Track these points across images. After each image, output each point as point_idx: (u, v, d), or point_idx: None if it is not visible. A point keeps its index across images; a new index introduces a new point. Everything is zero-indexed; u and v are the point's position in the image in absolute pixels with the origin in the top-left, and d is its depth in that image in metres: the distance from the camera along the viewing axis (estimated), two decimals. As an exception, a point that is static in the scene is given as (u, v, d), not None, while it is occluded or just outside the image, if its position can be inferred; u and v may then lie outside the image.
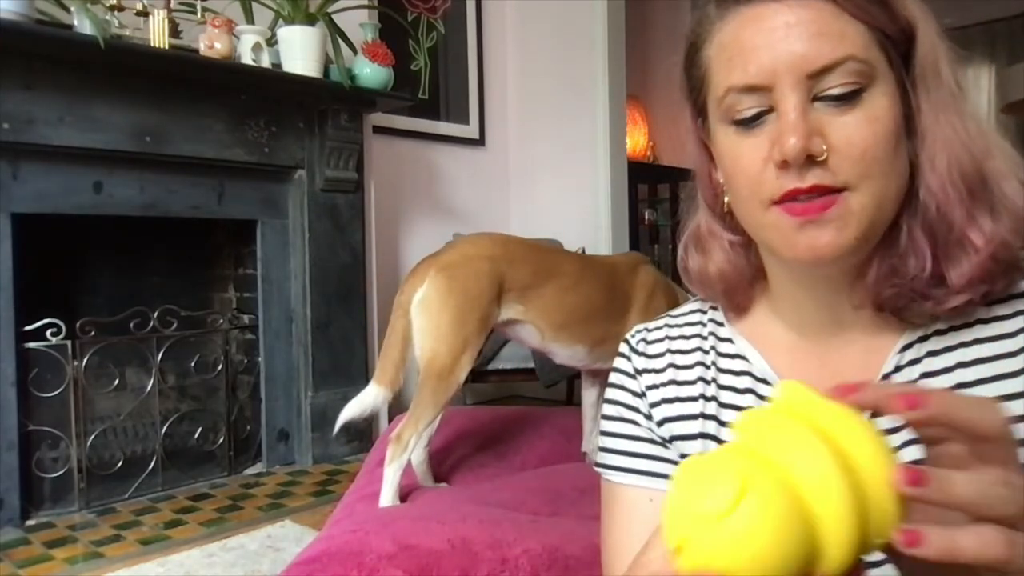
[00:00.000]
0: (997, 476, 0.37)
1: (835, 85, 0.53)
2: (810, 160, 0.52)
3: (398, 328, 1.63)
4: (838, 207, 0.53)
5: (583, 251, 2.96)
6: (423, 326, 1.59)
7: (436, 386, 1.56)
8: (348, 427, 2.73)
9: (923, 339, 0.59)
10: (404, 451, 1.51)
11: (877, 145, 0.53)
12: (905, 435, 0.56)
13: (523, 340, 1.74)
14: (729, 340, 0.68)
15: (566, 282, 1.69)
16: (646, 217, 5.06)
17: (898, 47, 0.55)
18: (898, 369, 0.59)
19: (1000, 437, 0.38)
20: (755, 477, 0.33)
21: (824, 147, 0.52)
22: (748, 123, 0.56)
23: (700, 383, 0.67)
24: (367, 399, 1.62)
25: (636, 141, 5.00)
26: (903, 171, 0.56)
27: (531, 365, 2.88)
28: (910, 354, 0.59)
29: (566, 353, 1.76)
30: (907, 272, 0.56)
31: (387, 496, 1.48)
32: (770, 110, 0.55)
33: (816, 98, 0.54)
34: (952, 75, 0.56)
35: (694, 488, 0.35)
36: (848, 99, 0.53)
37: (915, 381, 0.57)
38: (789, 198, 0.54)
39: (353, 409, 1.63)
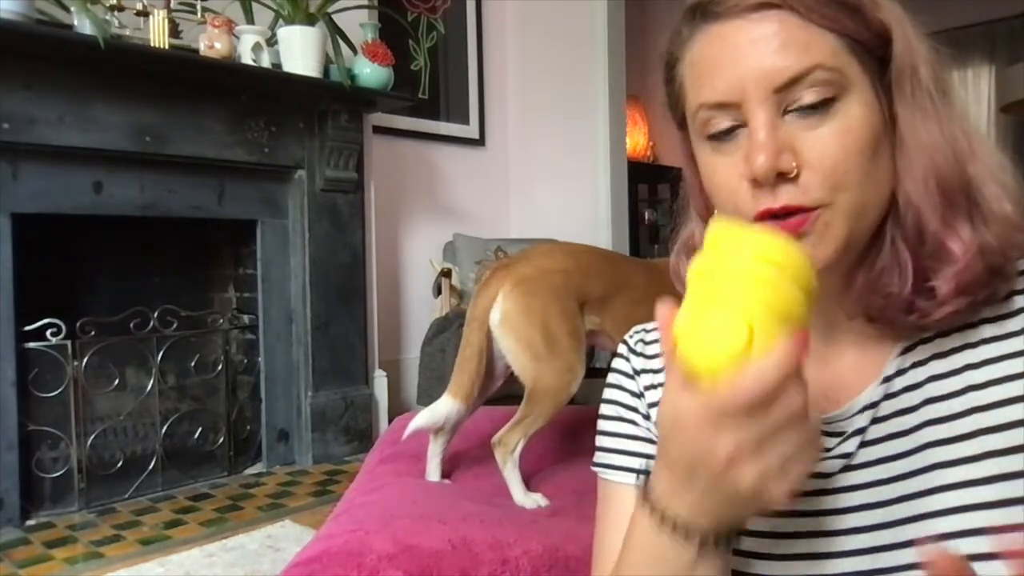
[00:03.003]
0: None
1: (804, 95, 0.52)
2: (781, 177, 0.52)
3: (473, 342, 1.58)
4: (812, 223, 0.53)
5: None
6: (512, 348, 1.55)
7: (547, 399, 1.54)
8: (348, 427, 2.76)
9: (926, 340, 0.58)
10: (513, 451, 1.51)
11: (850, 158, 0.52)
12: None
13: (599, 347, 1.72)
14: None
15: (635, 294, 1.67)
16: (646, 217, 5.07)
17: (873, 52, 0.54)
18: (900, 372, 0.58)
19: None
20: (755, 320, 0.43)
21: (794, 164, 0.52)
22: (721, 138, 0.56)
23: None
24: (440, 410, 1.57)
25: (636, 141, 5.00)
26: (884, 179, 0.55)
27: (531, 365, 2.87)
28: (913, 356, 0.58)
29: None
30: (890, 288, 0.56)
31: (518, 494, 1.48)
32: (743, 124, 0.54)
33: (787, 111, 0.53)
34: (932, 77, 0.55)
35: (711, 334, 0.44)
36: (819, 110, 0.52)
37: (921, 384, 0.57)
38: (764, 216, 0.54)
39: (425, 418, 1.58)
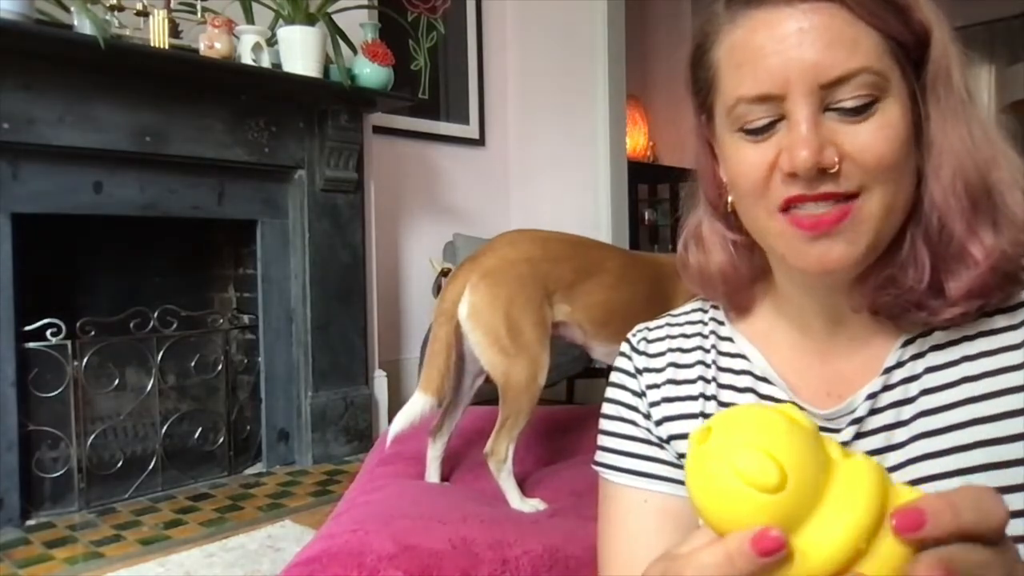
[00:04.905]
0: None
1: (848, 97, 0.52)
2: (822, 172, 0.52)
3: (441, 336, 1.56)
4: (850, 219, 0.53)
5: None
6: (480, 341, 1.53)
7: (520, 397, 1.53)
8: (348, 427, 2.75)
9: (925, 334, 0.59)
10: (505, 460, 1.50)
11: (890, 153, 0.53)
12: (881, 440, 0.58)
13: (566, 338, 1.70)
14: (729, 339, 0.68)
15: (608, 279, 1.64)
16: (646, 217, 5.07)
17: (911, 54, 0.55)
18: (900, 364, 0.59)
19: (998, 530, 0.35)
20: (797, 474, 0.35)
21: (836, 158, 0.52)
22: (757, 133, 0.55)
23: (700, 382, 0.67)
24: (415, 409, 1.54)
25: (636, 141, 5.00)
26: (912, 179, 0.56)
27: (531, 365, 2.87)
28: (912, 349, 0.59)
29: (604, 350, 1.72)
30: (905, 283, 0.56)
31: (515, 500, 1.47)
32: (781, 119, 0.54)
33: (828, 108, 0.53)
34: (963, 80, 0.56)
35: (748, 444, 0.37)
36: (861, 111, 0.53)
37: (919, 376, 0.57)
38: (795, 203, 0.54)
39: (403, 422, 1.54)
